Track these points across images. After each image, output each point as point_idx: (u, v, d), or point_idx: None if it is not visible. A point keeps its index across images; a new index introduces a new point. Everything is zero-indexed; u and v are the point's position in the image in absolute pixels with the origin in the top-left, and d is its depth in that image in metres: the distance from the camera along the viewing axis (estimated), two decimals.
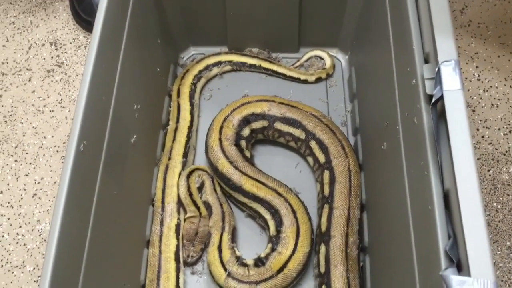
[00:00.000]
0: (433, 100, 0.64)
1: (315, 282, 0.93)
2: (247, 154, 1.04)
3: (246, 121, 1.04)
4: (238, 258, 0.93)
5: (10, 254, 0.98)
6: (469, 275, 0.53)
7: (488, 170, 1.03)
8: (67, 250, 0.65)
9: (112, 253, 0.81)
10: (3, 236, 0.99)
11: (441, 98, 0.63)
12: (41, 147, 1.08)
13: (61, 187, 0.66)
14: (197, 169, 1.02)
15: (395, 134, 0.77)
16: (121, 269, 0.85)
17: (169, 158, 1.02)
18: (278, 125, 1.05)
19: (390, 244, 0.79)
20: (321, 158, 1.01)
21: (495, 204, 0.99)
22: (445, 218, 0.61)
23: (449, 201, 0.62)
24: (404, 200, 0.71)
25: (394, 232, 0.77)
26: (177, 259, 0.93)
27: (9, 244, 0.99)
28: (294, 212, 0.94)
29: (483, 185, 1.01)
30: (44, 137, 1.10)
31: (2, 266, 0.97)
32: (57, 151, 1.08)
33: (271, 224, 0.95)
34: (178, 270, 0.92)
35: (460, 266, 0.58)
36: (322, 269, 0.91)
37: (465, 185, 0.57)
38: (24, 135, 1.10)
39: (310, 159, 1.04)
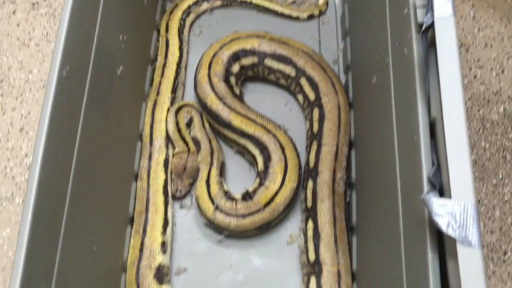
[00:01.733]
0: (424, 27, 0.63)
1: (302, 216, 0.95)
2: (237, 91, 1.02)
3: (235, 57, 1.02)
4: (226, 193, 0.94)
5: None
6: (450, 198, 0.53)
7: (478, 110, 1.03)
8: (50, 179, 0.65)
9: (99, 185, 0.81)
10: None
11: (432, 25, 0.62)
12: (27, 81, 1.07)
13: (44, 113, 0.65)
14: (186, 105, 1.01)
15: (385, 67, 0.76)
16: (109, 200, 0.85)
17: (158, 94, 1.01)
18: (268, 62, 1.03)
19: (376, 177, 0.80)
20: (311, 95, 1.00)
21: (483, 143, 1.00)
22: (429, 147, 0.61)
23: (435, 130, 0.62)
24: (391, 132, 0.71)
25: (380, 165, 0.77)
26: (165, 193, 0.94)
27: None
28: (282, 148, 0.94)
29: (473, 125, 1.01)
30: (30, 71, 1.08)
31: None
32: (44, 86, 1.06)
33: (260, 160, 0.95)
34: (166, 203, 0.93)
35: (442, 192, 0.58)
36: (309, 204, 0.92)
37: (451, 111, 0.56)
38: (9, 69, 1.08)
39: (300, 96, 1.03)
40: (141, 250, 0.88)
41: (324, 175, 0.92)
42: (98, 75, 0.77)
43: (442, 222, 0.52)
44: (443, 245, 0.57)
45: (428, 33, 0.64)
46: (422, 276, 0.57)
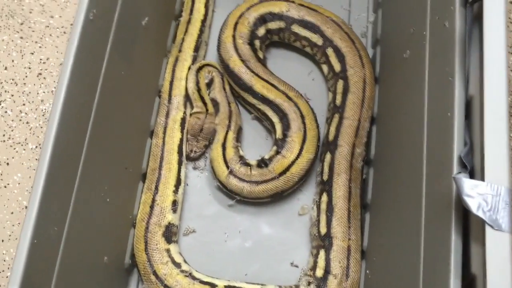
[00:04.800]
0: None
1: (316, 188, 0.93)
2: (260, 55, 1.00)
3: (262, 20, 0.99)
4: (241, 158, 0.92)
5: (12, 131, 0.97)
6: (482, 180, 0.51)
7: None
8: (69, 124, 0.64)
9: (115, 136, 0.80)
10: (6, 112, 0.98)
11: None
12: (48, 26, 1.04)
13: (68, 55, 0.63)
14: (208, 64, 0.98)
15: (421, 40, 0.73)
16: (124, 153, 0.84)
17: (180, 51, 0.98)
18: (295, 28, 1.00)
19: (399, 155, 0.77)
20: (337, 66, 0.97)
21: None
22: (463, 125, 0.58)
23: (470, 109, 0.60)
24: (421, 109, 0.69)
25: (405, 142, 0.75)
26: (180, 152, 0.92)
27: (12, 120, 0.97)
28: (302, 117, 0.92)
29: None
30: (52, 16, 1.05)
31: (4, 141, 0.96)
32: (64, 32, 1.04)
33: (278, 127, 0.93)
34: (180, 162, 0.92)
35: (473, 173, 0.56)
36: (325, 177, 0.90)
37: (493, 90, 0.54)
38: (31, 12, 1.05)
39: (324, 67, 1.00)
40: (151, 207, 0.87)
41: (343, 149, 0.90)
42: (124, 23, 0.74)
43: (473, 204, 0.50)
44: (467, 228, 0.56)
45: (473, 7, 0.61)
46: (443, 257, 0.55)
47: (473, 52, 0.60)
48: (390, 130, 0.85)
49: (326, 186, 0.90)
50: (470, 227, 0.55)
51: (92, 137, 0.69)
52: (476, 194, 0.50)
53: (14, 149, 0.95)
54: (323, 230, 0.87)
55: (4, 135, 0.96)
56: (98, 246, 0.74)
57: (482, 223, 0.50)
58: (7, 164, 0.95)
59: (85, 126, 0.68)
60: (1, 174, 0.94)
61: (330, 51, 0.98)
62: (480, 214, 0.49)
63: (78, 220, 0.64)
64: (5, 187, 0.93)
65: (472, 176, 0.56)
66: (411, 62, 0.77)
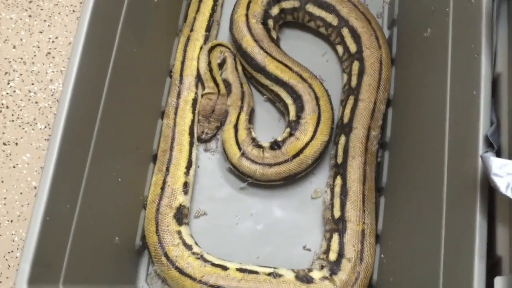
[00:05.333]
0: None
1: (330, 172, 0.91)
2: (274, 35, 0.97)
3: None
4: (253, 139, 0.90)
5: (21, 110, 0.95)
6: (511, 159, 0.49)
7: None
8: (81, 102, 0.63)
9: (127, 116, 0.79)
10: (14, 92, 0.96)
11: None
12: (56, 4, 1.02)
13: (80, 30, 0.61)
14: (220, 44, 0.96)
15: (444, 18, 0.70)
16: (135, 133, 0.82)
17: (191, 30, 0.96)
18: (310, 8, 0.97)
19: (417, 137, 0.75)
20: (352, 47, 0.94)
21: None
22: (490, 103, 0.56)
23: (497, 86, 0.57)
24: (443, 88, 0.66)
25: (424, 123, 0.73)
26: (191, 134, 0.91)
27: (21, 100, 0.96)
28: (317, 99, 0.90)
29: None
30: None
31: (13, 121, 0.95)
32: (73, 11, 1.02)
33: (292, 109, 0.91)
34: (191, 144, 0.90)
35: (499, 153, 0.54)
36: (339, 160, 0.88)
37: None
38: None
39: (339, 48, 0.98)
40: (162, 188, 0.86)
41: (358, 132, 0.88)
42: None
43: (501, 183, 0.48)
44: (492, 208, 0.54)
45: None
46: (467, 238, 0.53)
47: (501, 28, 0.58)
48: (408, 112, 0.83)
49: (340, 169, 0.88)
50: (496, 208, 0.53)
51: (103, 116, 0.67)
52: (505, 173, 0.48)
53: (23, 129, 0.94)
54: (337, 213, 0.85)
55: (12, 115, 0.95)
56: (110, 226, 0.73)
57: (509, 202, 0.48)
58: (16, 144, 0.93)
59: (96, 104, 0.66)
60: (10, 154, 0.93)
61: (345, 32, 0.95)
62: (508, 193, 0.48)
63: (90, 198, 0.63)
64: (14, 167, 0.92)
65: (499, 155, 0.54)
66: (432, 40, 0.74)
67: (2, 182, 0.91)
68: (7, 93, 0.96)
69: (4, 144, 0.93)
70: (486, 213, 0.53)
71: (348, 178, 0.86)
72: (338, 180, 0.87)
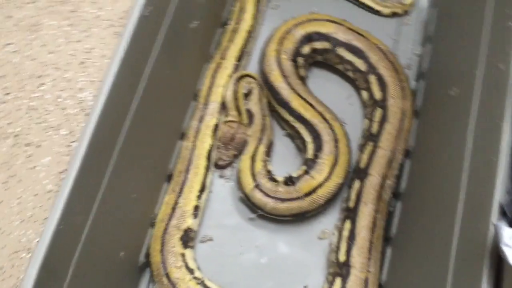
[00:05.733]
0: None
1: (340, 215, 0.91)
2: (302, 73, 0.99)
3: (309, 38, 0.99)
4: (269, 172, 0.91)
5: (48, 114, 0.98)
6: None
7: None
8: (109, 117, 0.65)
9: (149, 135, 0.81)
10: (43, 95, 0.99)
11: None
12: (97, 17, 1.06)
13: (119, 47, 0.63)
14: (248, 75, 0.98)
15: (471, 79, 0.71)
16: (154, 152, 0.84)
17: (222, 58, 0.98)
18: (341, 51, 0.99)
19: (432, 192, 0.75)
20: (378, 94, 0.96)
21: None
22: (508, 172, 0.56)
23: None
24: (462, 149, 0.67)
25: (440, 181, 0.73)
26: (208, 158, 0.92)
27: (48, 104, 0.99)
28: (336, 140, 0.91)
29: None
30: (101, 8, 1.07)
31: (38, 123, 0.97)
32: (112, 25, 1.05)
33: (310, 147, 0.92)
34: (207, 168, 0.91)
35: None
36: (351, 204, 0.88)
37: None
38: (82, 2, 1.07)
39: (364, 93, 0.99)
40: (173, 208, 0.87)
41: (374, 179, 0.88)
42: (174, 23, 0.75)
43: (511, 254, 0.48)
44: (499, 278, 0.53)
45: None
46: None
47: None
48: (425, 166, 0.84)
49: (351, 214, 0.88)
50: (504, 278, 0.52)
51: (128, 132, 0.69)
52: None
53: (47, 132, 0.96)
54: (342, 258, 0.85)
55: (39, 118, 0.97)
56: (117, 240, 0.74)
57: None
58: (38, 146, 0.96)
59: (123, 119, 0.68)
60: (31, 156, 0.95)
61: (372, 78, 0.97)
62: None
63: (103, 211, 0.64)
64: (32, 168, 0.94)
65: (511, 225, 0.53)
66: (457, 100, 0.75)
67: (20, 181, 0.93)
68: (37, 96, 0.99)
69: (27, 145, 0.95)
70: (493, 282, 0.52)
71: (358, 224, 0.86)
72: (348, 224, 0.87)
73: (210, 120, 0.94)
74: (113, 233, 0.71)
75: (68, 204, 0.56)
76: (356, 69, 0.99)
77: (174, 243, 0.84)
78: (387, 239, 0.88)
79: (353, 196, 0.89)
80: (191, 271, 0.83)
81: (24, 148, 0.95)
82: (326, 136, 0.91)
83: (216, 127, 0.94)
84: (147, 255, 0.85)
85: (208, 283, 0.83)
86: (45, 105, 0.99)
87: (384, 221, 0.88)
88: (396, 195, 0.90)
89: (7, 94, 0.99)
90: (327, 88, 1.02)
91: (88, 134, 0.61)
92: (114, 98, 0.63)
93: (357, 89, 1.01)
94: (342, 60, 0.99)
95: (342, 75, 1.02)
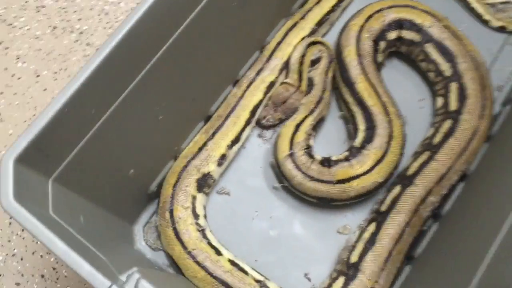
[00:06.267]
0: None
1: (368, 215, 0.83)
2: (379, 58, 0.91)
3: (399, 24, 0.90)
4: (308, 147, 0.85)
5: (117, 22, 0.97)
6: None
7: None
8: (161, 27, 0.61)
9: (202, 70, 0.77)
10: (119, 3, 0.98)
11: None
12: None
13: None
14: (322, 43, 0.91)
15: None
16: (200, 88, 0.80)
17: (302, 18, 0.92)
18: (429, 48, 0.89)
19: (475, 225, 0.66)
20: (453, 105, 0.86)
21: None
22: None
23: None
24: None
25: (488, 215, 0.64)
26: (253, 112, 0.87)
27: (121, 13, 0.97)
28: (390, 137, 0.83)
29: None
30: None
31: (105, 28, 0.96)
32: None
33: (361, 135, 0.85)
34: (248, 122, 0.86)
35: None
36: (384, 208, 0.80)
37: None
38: None
39: (440, 99, 0.89)
40: (200, 149, 0.83)
41: (417, 190, 0.79)
42: None
43: None
44: None
45: None
46: None
47: None
48: (479, 196, 0.74)
49: (379, 217, 0.80)
50: None
51: (181, 58, 0.65)
52: None
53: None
54: (354, 258, 0.77)
55: (108, 23, 0.97)
56: (130, 155, 0.70)
57: None
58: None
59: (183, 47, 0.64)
60: (87, 56, 0.94)
61: (454, 86, 0.87)
62: None
63: (119, 112, 0.60)
64: None
65: None
66: None
67: (68, 76, 0.93)
68: (112, 2, 0.98)
69: (87, 44, 0.95)
70: None
71: (383, 230, 0.78)
72: (372, 227, 0.79)
73: (268, 75, 0.89)
74: (126, 145, 0.67)
75: (83, 89, 0.52)
76: (439, 72, 0.89)
77: (189, 183, 0.81)
78: (409, 258, 0.79)
79: (388, 200, 0.81)
80: (196, 216, 0.79)
81: (84, 46, 0.95)
82: (381, 130, 0.83)
83: (271, 84, 0.89)
84: (160, 186, 0.82)
85: (208, 233, 0.79)
86: (118, 13, 0.98)
87: (412, 237, 0.79)
88: (436, 215, 0.81)
89: None
90: (401, 83, 0.93)
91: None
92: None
93: (433, 94, 0.92)
94: (428, 58, 0.90)
95: (422, 74, 0.93)
